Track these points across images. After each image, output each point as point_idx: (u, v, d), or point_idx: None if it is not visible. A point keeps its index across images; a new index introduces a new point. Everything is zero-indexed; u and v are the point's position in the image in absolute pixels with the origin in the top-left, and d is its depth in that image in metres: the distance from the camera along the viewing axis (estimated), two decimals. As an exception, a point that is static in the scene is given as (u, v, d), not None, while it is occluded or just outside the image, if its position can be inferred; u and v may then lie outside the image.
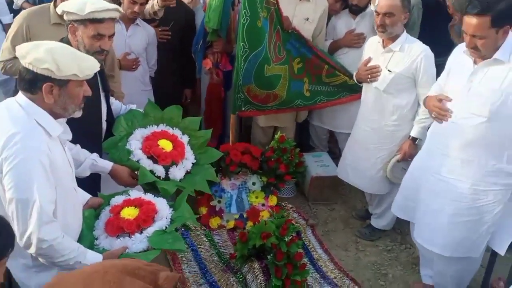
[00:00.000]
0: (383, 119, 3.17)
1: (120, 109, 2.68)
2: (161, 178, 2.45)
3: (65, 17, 2.24)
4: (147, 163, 2.42)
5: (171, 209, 2.14)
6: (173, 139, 2.57)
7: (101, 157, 2.37)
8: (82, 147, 2.25)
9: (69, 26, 2.24)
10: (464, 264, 2.63)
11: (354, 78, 3.38)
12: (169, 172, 2.48)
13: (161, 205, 2.13)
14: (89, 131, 2.36)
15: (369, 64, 3.17)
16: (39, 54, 1.70)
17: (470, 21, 2.20)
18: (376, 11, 3.01)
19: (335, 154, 4.28)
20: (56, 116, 1.81)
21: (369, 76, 3.15)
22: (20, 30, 2.89)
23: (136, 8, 3.37)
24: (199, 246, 3.23)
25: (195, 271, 3.04)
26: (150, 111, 2.68)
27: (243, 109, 3.63)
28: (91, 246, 1.99)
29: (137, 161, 2.41)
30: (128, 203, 2.11)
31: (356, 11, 3.73)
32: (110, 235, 2.02)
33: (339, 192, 3.99)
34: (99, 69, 1.89)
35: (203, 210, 3.43)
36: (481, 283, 2.85)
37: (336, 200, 3.96)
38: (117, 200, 2.16)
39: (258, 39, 3.38)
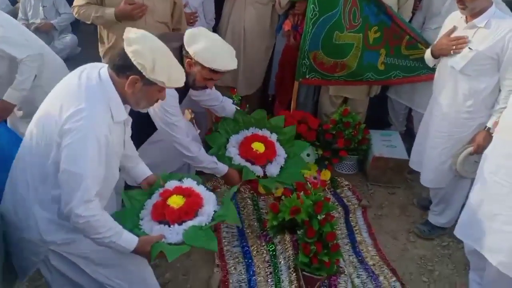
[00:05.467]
0: (456, 104, 2.78)
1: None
2: (261, 177, 2.75)
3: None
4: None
5: (218, 206, 2.11)
6: (263, 140, 2.83)
7: None
8: None
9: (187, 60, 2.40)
10: None
11: (428, 52, 2.96)
12: (265, 170, 2.76)
13: (209, 200, 2.09)
14: None
15: (454, 35, 2.75)
16: (143, 49, 1.74)
17: None
18: None
19: (413, 135, 3.93)
20: (125, 102, 1.85)
21: (453, 48, 2.70)
22: None
23: None
24: (242, 209, 3.25)
25: (233, 232, 3.06)
26: (239, 117, 2.95)
27: (307, 76, 3.46)
28: (135, 227, 1.99)
29: (238, 164, 2.72)
30: (178, 190, 2.10)
31: None
32: (152, 219, 2.03)
33: (405, 176, 3.70)
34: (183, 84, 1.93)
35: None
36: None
37: (399, 185, 3.68)
38: (171, 184, 2.15)
39: (331, 2, 3.16)
